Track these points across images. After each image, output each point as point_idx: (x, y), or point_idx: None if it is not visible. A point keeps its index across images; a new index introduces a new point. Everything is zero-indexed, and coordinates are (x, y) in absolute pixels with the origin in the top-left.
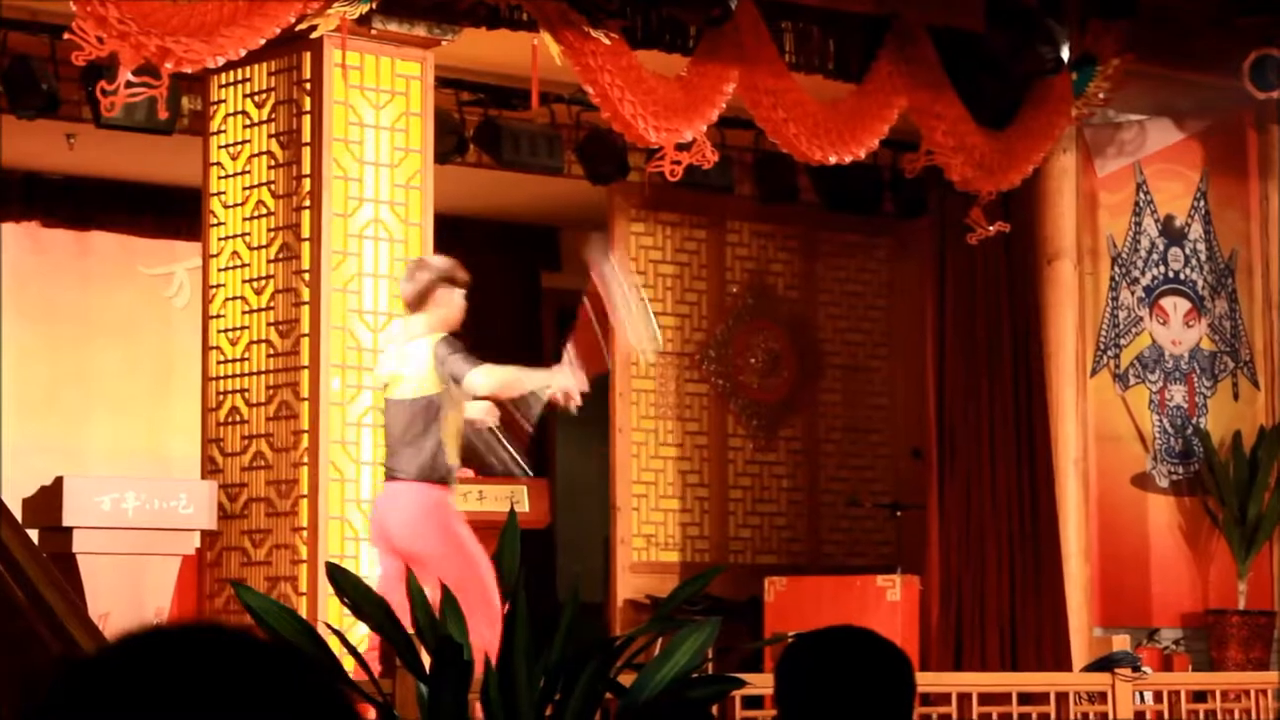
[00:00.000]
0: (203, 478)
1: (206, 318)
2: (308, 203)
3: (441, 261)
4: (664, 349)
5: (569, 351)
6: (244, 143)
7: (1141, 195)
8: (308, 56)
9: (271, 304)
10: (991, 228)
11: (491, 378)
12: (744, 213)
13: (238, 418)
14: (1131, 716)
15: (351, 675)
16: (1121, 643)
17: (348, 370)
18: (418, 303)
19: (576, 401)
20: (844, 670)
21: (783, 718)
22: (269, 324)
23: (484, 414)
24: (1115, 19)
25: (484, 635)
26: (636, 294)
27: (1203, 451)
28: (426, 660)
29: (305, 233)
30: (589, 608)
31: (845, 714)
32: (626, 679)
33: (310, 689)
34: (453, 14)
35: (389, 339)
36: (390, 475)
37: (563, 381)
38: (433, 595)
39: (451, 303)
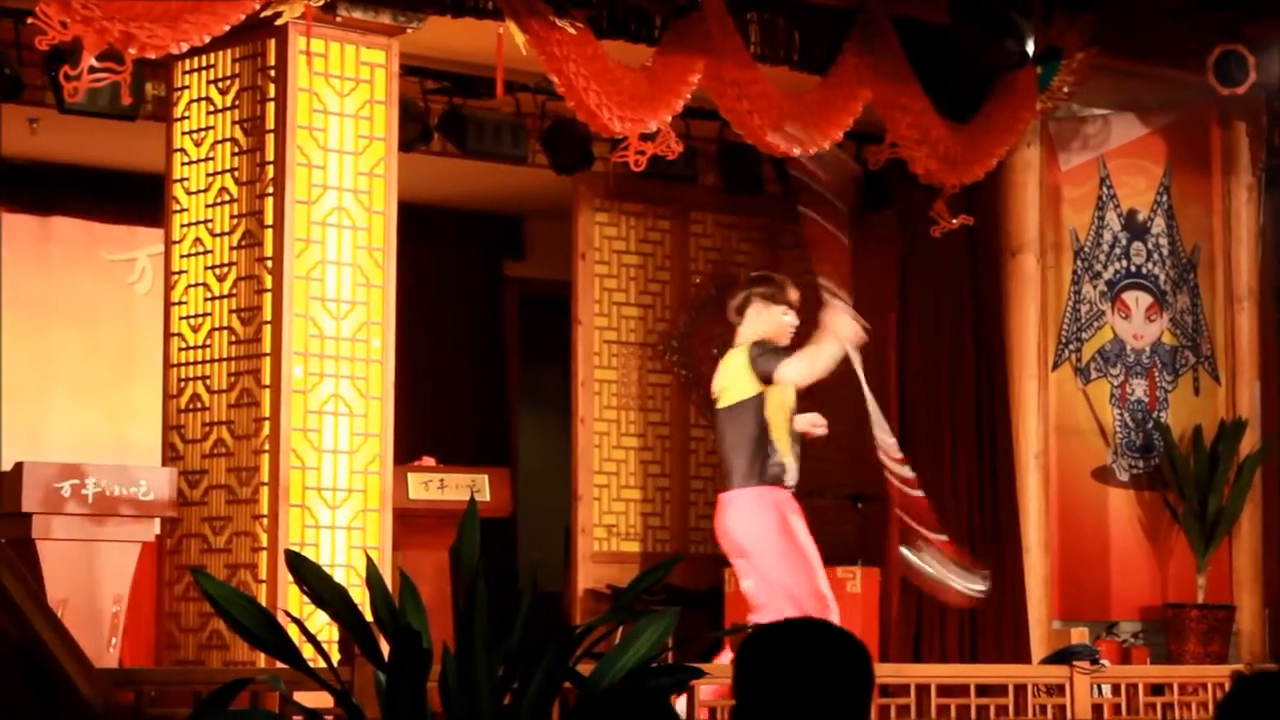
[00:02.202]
0: (163, 464)
1: (168, 304)
2: (271, 190)
3: (770, 278)
4: (626, 339)
5: (827, 289)
6: (207, 129)
7: (1105, 189)
8: (272, 43)
9: (234, 291)
10: (955, 220)
11: (800, 364)
12: (708, 203)
13: (199, 404)
14: (1089, 709)
15: (310, 663)
16: (1080, 635)
17: (310, 358)
18: (736, 314)
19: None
20: (803, 661)
21: (742, 708)
22: (231, 311)
23: (809, 425)
24: (1080, 13)
25: None
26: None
27: (1163, 446)
28: (386, 649)
29: (268, 220)
30: (549, 597)
31: (804, 704)
32: (586, 668)
33: None
34: (418, 2)
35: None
36: (723, 486)
37: (847, 328)
38: (758, 590)
39: (768, 319)
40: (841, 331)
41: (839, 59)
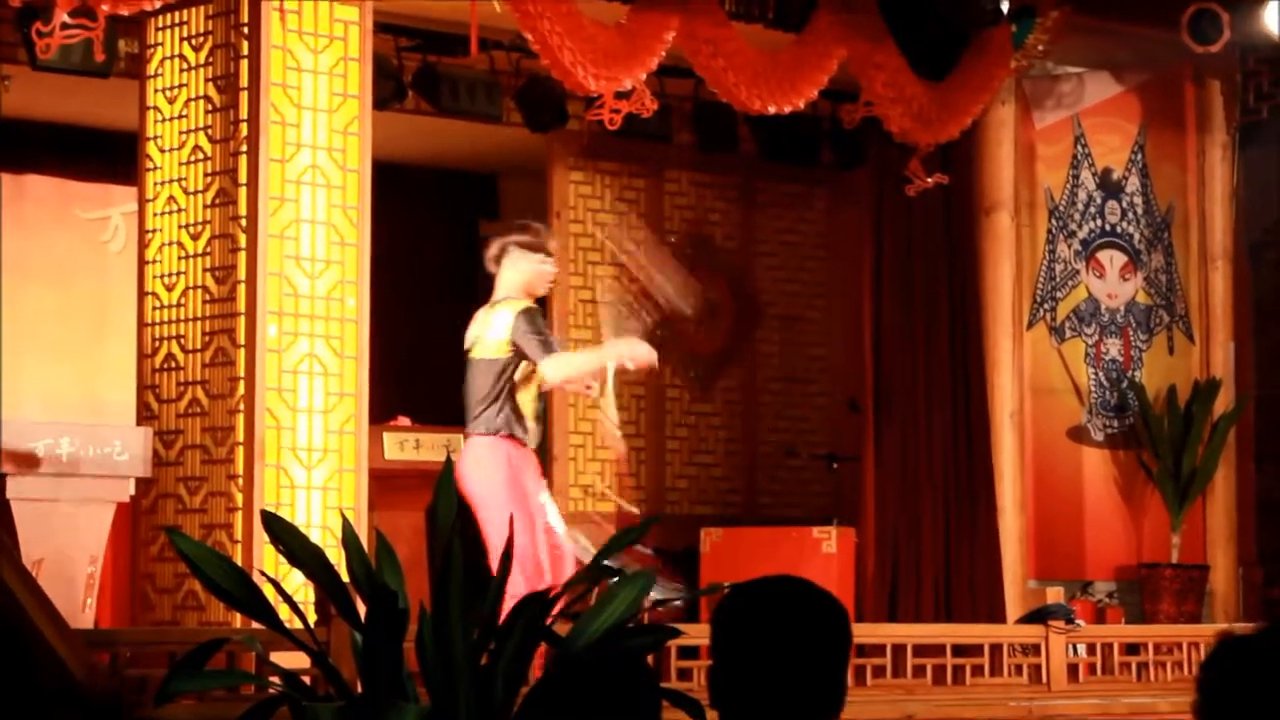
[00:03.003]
0: (138, 424)
1: (142, 263)
2: (245, 148)
3: (526, 225)
4: (601, 299)
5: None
6: (181, 86)
7: (1079, 148)
8: (245, 0)
9: (208, 249)
10: (930, 179)
11: (563, 369)
12: (683, 162)
13: (173, 364)
14: (1064, 668)
15: (286, 623)
16: (1055, 595)
17: (284, 317)
18: (494, 264)
19: (652, 363)
20: (781, 620)
21: (719, 667)
22: (205, 270)
23: (576, 386)
24: None
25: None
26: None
27: (1138, 405)
28: (362, 609)
29: (242, 178)
30: None
31: (781, 664)
32: (562, 629)
33: None
34: None
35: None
36: (467, 434)
37: (633, 352)
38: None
39: (526, 267)
40: (617, 351)
41: (814, 17)
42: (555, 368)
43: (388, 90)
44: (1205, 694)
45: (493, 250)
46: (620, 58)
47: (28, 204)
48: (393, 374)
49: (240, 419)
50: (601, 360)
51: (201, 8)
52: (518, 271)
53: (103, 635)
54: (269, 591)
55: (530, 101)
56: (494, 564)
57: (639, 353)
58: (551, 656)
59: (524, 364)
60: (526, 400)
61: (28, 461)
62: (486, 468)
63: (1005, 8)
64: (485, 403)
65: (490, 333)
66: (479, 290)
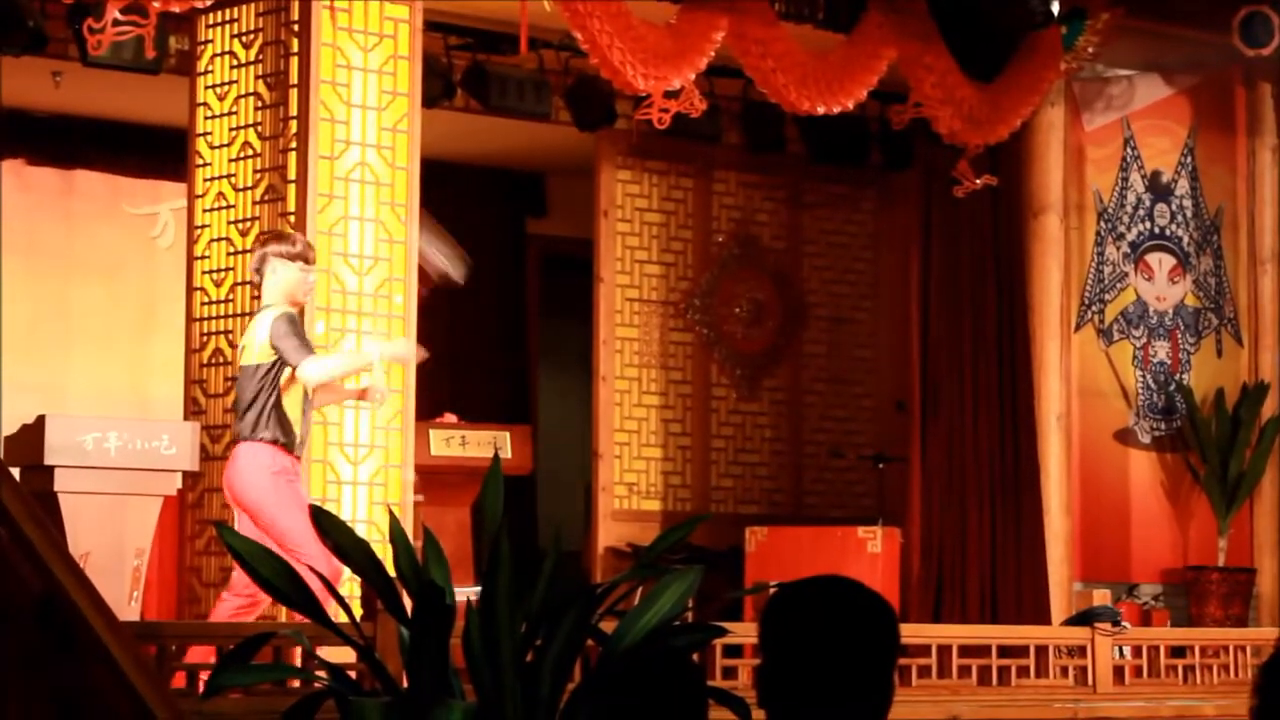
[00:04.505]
0: (185, 419)
1: (191, 258)
2: (294, 145)
3: (284, 235)
4: (648, 297)
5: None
6: (231, 83)
7: (1129, 150)
8: None
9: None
10: (978, 181)
11: (321, 369)
12: (731, 162)
13: (221, 359)
14: (1110, 670)
15: (333, 618)
16: (1101, 597)
17: (332, 313)
18: (255, 274)
19: (414, 361)
20: (829, 619)
21: (768, 665)
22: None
23: (336, 397)
24: None
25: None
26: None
27: (1185, 408)
28: (408, 604)
29: (291, 175)
30: (569, 555)
31: (830, 663)
32: (608, 626)
33: None
34: None
35: None
36: (234, 439)
37: (392, 350)
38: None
39: (285, 276)
40: (378, 349)
41: (863, 17)
42: (312, 368)
43: (437, 88)
44: (1264, 697)
45: (253, 260)
46: (669, 57)
47: (77, 199)
48: (439, 371)
49: None
50: (362, 360)
51: (252, 5)
52: (279, 279)
53: (150, 628)
54: (315, 585)
55: (579, 100)
56: (299, 561)
57: (399, 349)
58: (598, 654)
59: (288, 368)
60: (292, 404)
61: None
62: (250, 475)
63: (1055, 9)
64: (247, 408)
65: (254, 338)
66: (525, 288)
